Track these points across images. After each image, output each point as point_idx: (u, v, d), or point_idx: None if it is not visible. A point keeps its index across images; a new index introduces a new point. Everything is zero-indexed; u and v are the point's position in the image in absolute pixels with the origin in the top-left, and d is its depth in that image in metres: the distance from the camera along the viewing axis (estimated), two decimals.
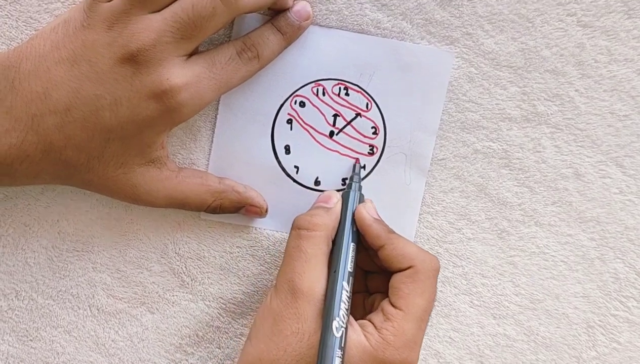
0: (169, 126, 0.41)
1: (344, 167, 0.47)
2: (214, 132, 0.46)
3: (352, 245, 0.43)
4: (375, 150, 0.47)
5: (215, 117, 0.46)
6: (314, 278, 0.41)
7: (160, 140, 0.42)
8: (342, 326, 0.40)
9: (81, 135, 0.40)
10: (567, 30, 0.47)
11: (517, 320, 0.49)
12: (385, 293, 0.43)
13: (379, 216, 0.44)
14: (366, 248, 0.45)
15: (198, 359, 0.48)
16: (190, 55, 0.41)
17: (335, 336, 0.39)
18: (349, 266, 0.42)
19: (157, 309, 0.48)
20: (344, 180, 0.47)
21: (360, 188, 0.45)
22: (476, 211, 0.48)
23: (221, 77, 0.42)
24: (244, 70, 0.43)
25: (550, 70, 0.47)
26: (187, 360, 0.48)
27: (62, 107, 0.39)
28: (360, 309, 0.46)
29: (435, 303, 0.49)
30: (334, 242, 0.43)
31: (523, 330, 0.49)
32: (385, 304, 0.42)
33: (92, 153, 0.40)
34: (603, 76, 0.47)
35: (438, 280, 0.48)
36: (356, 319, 0.43)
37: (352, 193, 0.44)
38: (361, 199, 0.45)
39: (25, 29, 0.45)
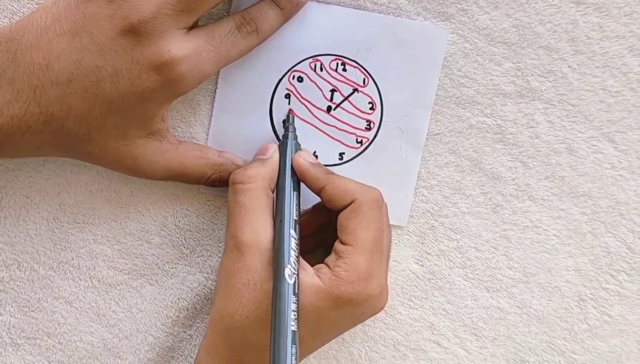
0: (169, 98, 0.42)
1: (341, 141, 0.47)
2: (213, 106, 0.47)
3: (295, 194, 0.43)
4: (372, 125, 0.48)
5: (215, 91, 0.47)
6: (256, 229, 0.41)
7: (161, 113, 0.42)
8: (294, 273, 0.40)
9: (82, 106, 0.40)
10: (561, 7, 0.47)
11: (510, 293, 0.50)
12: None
13: (316, 161, 0.45)
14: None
15: (195, 331, 0.49)
16: (190, 28, 0.41)
17: (289, 283, 0.39)
18: (295, 215, 0.42)
19: (156, 281, 0.48)
20: (341, 154, 0.48)
21: (295, 137, 0.46)
22: (471, 185, 0.49)
23: (220, 50, 0.42)
24: (243, 44, 0.43)
25: (544, 46, 0.48)
26: (185, 332, 0.49)
27: (64, 78, 0.40)
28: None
29: (430, 276, 0.49)
30: (276, 192, 0.44)
31: (516, 303, 0.50)
32: (336, 244, 0.43)
33: (92, 125, 0.41)
34: (595, 52, 0.48)
35: (433, 255, 0.49)
36: None
37: (288, 143, 0.45)
38: (297, 147, 0.45)
39: (27, 3, 0.45)
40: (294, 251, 0.41)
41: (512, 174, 0.49)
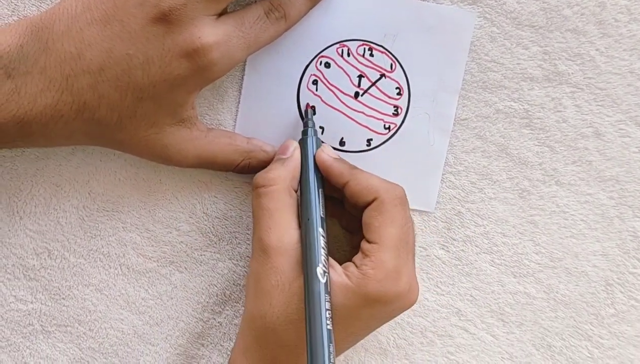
0: (199, 85, 0.42)
1: (369, 128, 0.47)
2: (240, 93, 0.47)
3: (320, 191, 0.43)
4: (399, 110, 0.47)
5: (242, 78, 0.47)
6: (281, 231, 0.42)
7: (191, 100, 0.42)
8: (325, 272, 0.40)
9: (114, 95, 0.40)
10: None
11: (537, 278, 0.50)
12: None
13: (338, 156, 0.45)
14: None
15: (225, 318, 0.49)
16: (220, 15, 0.41)
17: (321, 282, 0.39)
18: (322, 212, 0.42)
19: (185, 268, 0.49)
20: (368, 140, 0.48)
21: (315, 132, 0.45)
22: (497, 171, 0.49)
23: (250, 36, 0.42)
24: (272, 29, 0.43)
25: (571, 30, 0.47)
26: (214, 318, 0.49)
27: (95, 67, 0.40)
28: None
29: (457, 262, 0.49)
30: (300, 191, 0.43)
31: (543, 288, 0.50)
32: (362, 242, 0.43)
33: (124, 113, 0.41)
34: (623, 35, 0.48)
35: (459, 240, 0.49)
36: None
37: (309, 139, 0.44)
38: (318, 142, 0.45)
39: None
40: (324, 249, 0.41)
41: (539, 159, 0.49)
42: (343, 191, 0.44)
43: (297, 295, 0.41)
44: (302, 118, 0.47)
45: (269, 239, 0.41)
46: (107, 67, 0.40)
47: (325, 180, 0.44)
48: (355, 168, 0.44)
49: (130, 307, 0.49)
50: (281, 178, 0.43)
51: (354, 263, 0.42)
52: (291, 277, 0.41)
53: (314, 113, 0.47)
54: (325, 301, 0.39)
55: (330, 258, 0.42)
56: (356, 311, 0.41)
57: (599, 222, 0.50)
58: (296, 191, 0.44)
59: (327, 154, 0.44)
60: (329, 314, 0.39)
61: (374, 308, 0.42)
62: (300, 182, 0.44)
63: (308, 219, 0.42)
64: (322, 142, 0.46)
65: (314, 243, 0.41)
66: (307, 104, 0.46)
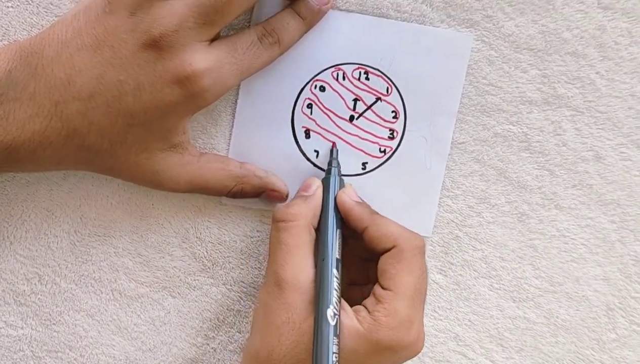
0: (191, 111, 0.41)
1: (364, 151, 0.47)
2: (234, 116, 0.46)
3: (338, 232, 0.43)
4: (395, 134, 0.47)
5: (236, 101, 0.46)
6: (297, 268, 0.41)
7: (183, 125, 0.42)
8: (336, 315, 0.40)
9: (104, 121, 0.40)
10: (588, 12, 0.46)
11: (536, 303, 0.49)
12: None
13: (361, 199, 0.45)
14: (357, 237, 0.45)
15: (219, 343, 0.49)
16: (212, 40, 0.41)
17: (331, 324, 0.39)
18: (337, 253, 0.42)
19: (178, 293, 0.48)
20: (364, 164, 0.47)
21: (339, 172, 0.45)
22: (496, 194, 0.48)
23: (243, 62, 0.42)
24: (265, 55, 0.43)
25: (571, 53, 0.47)
26: (208, 344, 0.49)
27: (86, 93, 0.39)
28: (360, 299, 0.46)
29: (455, 287, 0.49)
30: (319, 229, 0.43)
31: (543, 313, 0.49)
32: (376, 287, 0.42)
33: (114, 139, 0.41)
34: (624, 58, 0.47)
35: (457, 265, 0.48)
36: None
37: (332, 179, 0.44)
38: (342, 184, 0.45)
39: (46, 15, 0.45)
40: (336, 291, 0.41)
41: (539, 183, 0.48)
42: (362, 235, 0.43)
43: (308, 334, 0.40)
44: (297, 142, 0.46)
45: (285, 274, 0.41)
46: (97, 93, 0.39)
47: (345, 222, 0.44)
48: (375, 213, 0.44)
49: (122, 333, 0.48)
50: (302, 214, 0.43)
51: (365, 307, 0.42)
52: (303, 315, 0.41)
53: (308, 137, 0.46)
54: (333, 344, 0.39)
55: (342, 300, 0.42)
56: (364, 357, 0.41)
57: (600, 246, 0.49)
58: (315, 230, 0.44)
59: (348, 197, 0.44)
60: (335, 358, 0.39)
61: (383, 356, 0.41)
62: (319, 220, 0.44)
63: (323, 259, 0.42)
64: (344, 181, 0.46)
65: (327, 284, 0.41)
66: (333, 144, 0.46)
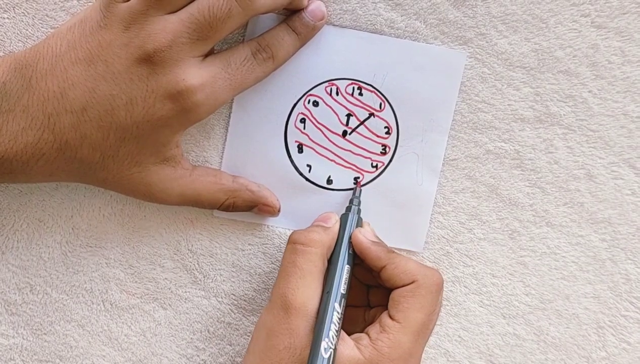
0: (184, 126, 0.42)
1: (356, 166, 0.47)
2: (227, 130, 0.47)
3: (347, 268, 0.43)
4: (387, 149, 0.47)
5: (229, 115, 0.46)
6: (307, 294, 0.41)
7: (175, 140, 0.42)
8: (330, 348, 0.39)
9: (96, 134, 0.40)
10: (581, 31, 0.47)
11: (527, 320, 0.49)
12: (385, 307, 0.43)
13: (378, 238, 0.45)
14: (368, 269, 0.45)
15: (209, 355, 0.49)
16: (206, 55, 0.41)
17: (324, 357, 0.39)
18: (342, 288, 0.42)
19: (169, 305, 0.48)
20: (355, 179, 0.47)
21: (359, 211, 0.45)
22: (487, 211, 0.48)
23: (236, 77, 0.42)
24: (259, 70, 0.43)
25: (564, 71, 0.47)
26: (198, 356, 0.49)
27: (78, 106, 0.40)
28: (361, 323, 0.46)
29: (445, 303, 0.49)
30: (329, 262, 0.43)
31: (533, 330, 0.49)
32: (384, 316, 0.42)
33: (106, 152, 0.41)
34: (616, 77, 0.47)
35: (448, 281, 0.49)
36: (356, 332, 0.43)
37: (350, 216, 0.45)
38: (359, 223, 0.45)
39: (42, 27, 0.45)
40: (335, 325, 0.40)
41: (530, 200, 0.48)
42: (379, 274, 0.43)
43: (305, 363, 0.40)
44: (289, 157, 0.47)
45: (295, 299, 0.41)
46: (90, 106, 0.40)
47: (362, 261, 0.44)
48: (392, 251, 0.43)
49: (112, 343, 0.48)
50: (321, 243, 0.42)
51: (368, 335, 0.42)
52: (304, 343, 0.40)
53: (301, 151, 0.46)
54: None
55: (342, 332, 0.42)
56: None
57: (591, 264, 0.49)
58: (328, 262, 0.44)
59: (364, 237, 0.44)
60: None
61: None
62: (331, 254, 0.44)
63: (328, 292, 0.41)
64: (363, 222, 0.46)
65: (326, 316, 0.40)
66: (358, 182, 0.47)
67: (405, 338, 0.41)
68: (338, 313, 0.41)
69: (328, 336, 0.40)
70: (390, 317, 0.42)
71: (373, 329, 0.42)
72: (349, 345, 0.41)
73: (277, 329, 0.41)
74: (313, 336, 0.40)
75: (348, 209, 0.45)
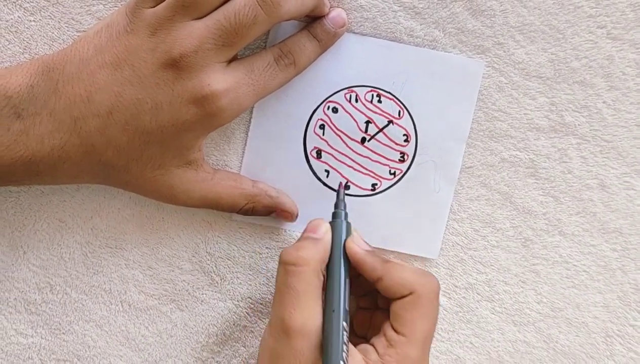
0: (207, 130, 0.42)
1: (374, 173, 0.48)
2: (247, 135, 0.47)
3: (347, 280, 0.42)
4: (405, 157, 0.48)
5: (250, 120, 0.47)
6: (305, 315, 0.40)
7: (198, 143, 0.43)
8: None
9: (122, 138, 0.40)
10: (597, 43, 0.47)
11: (537, 327, 0.50)
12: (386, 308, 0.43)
13: (369, 246, 0.44)
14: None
15: (224, 358, 0.49)
16: (230, 61, 0.42)
17: None
18: (346, 305, 0.41)
19: (186, 306, 0.49)
20: (373, 185, 0.48)
21: (346, 216, 0.44)
22: (501, 219, 0.49)
23: (259, 83, 0.42)
24: (281, 76, 0.43)
25: (579, 82, 0.47)
26: (213, 358, 0.49)
27: (105, 110, 0.40)
28: (366, 325, 0.46)
29: (458, 309, 0.49)
30: (326, 275, 0.42)
31: (543, 337, 0.50)
32: (387, 329, 0.42)
33: (131, 156, 0.41)
34: (631, 89, 0.48)
35: (461, 287, 0.49)
36: (360, 335, 0.43)
37: (340, 224, 0.43)
38: (348, 229, 0.44)
39: (67, 30, 0.46)
40: (345, 345, 0.40)
41: (543, 209, 0.49)
42: (375, 284, 0.43)
43: None
44: (308, 162, 0.47)
45: (293, 321, 0.40)
46: (116, 110, 0.40)
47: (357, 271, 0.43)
48: (388, 261, 0.43)
49: (129, 344, 0.49)
50: (313, 259, 0.41)
51: (375, 348, 0.42)
52: (310, 362, 0.40)
53: (319, 157, 0.47)
54: None
55: (350, 346, 0.41)
56: None
57: (602, 274, 0.49)
58: (323, 274, 0.42)
59: (357, 246, 0.43)
60: None
61: None
62: (327, 266, 0.42)
63: (333, 311, 0.41)
64: (351, 226, 0.44)
65: (336, 338, 0.39)
66: (340, 184, 0.46)
67: (413, 350, 0.41)
68: (346, 331, 0.40)
69: (342, 358, 0.39)
70: (395, 330, 0.42)
71: (379, 343, 0.42)
72: (357, 360, 0.41)
73: (280, 352, 0.40)
74: (323, 356, 0.39)
75: (335, 216, 0.44)
